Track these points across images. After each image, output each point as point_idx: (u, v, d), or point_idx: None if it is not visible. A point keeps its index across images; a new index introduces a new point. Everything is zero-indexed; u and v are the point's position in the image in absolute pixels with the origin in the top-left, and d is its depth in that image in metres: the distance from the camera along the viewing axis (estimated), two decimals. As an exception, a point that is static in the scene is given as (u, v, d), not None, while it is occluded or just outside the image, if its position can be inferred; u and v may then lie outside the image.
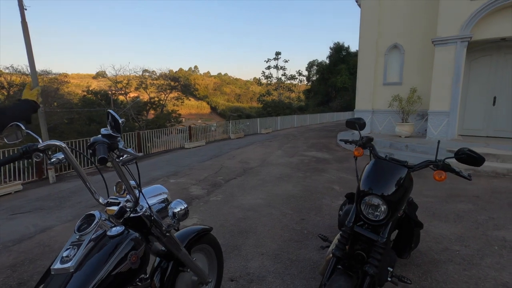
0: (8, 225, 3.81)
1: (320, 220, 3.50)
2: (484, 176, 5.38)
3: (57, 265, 0.99)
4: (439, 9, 7.58)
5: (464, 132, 8.32)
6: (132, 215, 1.27)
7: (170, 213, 1.46)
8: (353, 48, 35.84)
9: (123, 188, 1.31)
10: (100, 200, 1.28)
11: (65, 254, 1.02)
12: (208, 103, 65.03)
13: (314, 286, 2.23)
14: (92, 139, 1.10)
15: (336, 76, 33.58)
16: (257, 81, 42.15)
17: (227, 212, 3.84)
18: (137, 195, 1.29)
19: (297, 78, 38.96)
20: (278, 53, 37.29)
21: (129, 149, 1.19)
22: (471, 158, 1.56)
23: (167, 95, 31.10)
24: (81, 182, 1.21)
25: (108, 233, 1.11)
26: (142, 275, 1.26)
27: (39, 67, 25.18)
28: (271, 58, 37.52)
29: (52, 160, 1.10)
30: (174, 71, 51.17)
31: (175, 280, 1.54)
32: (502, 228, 3.20)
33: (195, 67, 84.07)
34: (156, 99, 28.60)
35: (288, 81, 39.03)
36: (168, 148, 10.89)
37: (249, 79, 79.62)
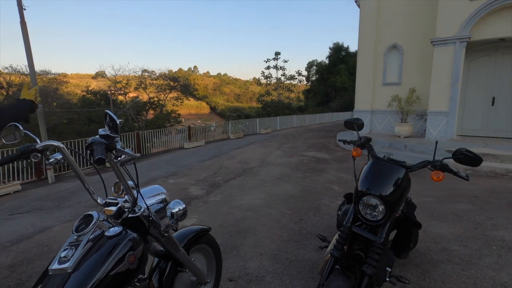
0: (7, 225, 3.80)
1: (319, 220, 3.51)
2: (483, 176, 5.39)
3: (55, 266, 1.00)
4: (438, 9, 7.59)
5: (463, 132, 8.32)
6: (130, 215, 1.27)
7: (168, 214, 1.45)
8: (353, 48, 35.96)
9: (121, 188, 1.31)
10: (99, 201, 1.28)
11: (63, 254, 1.02)
12: (207, 103, 65.11)
13: (312, 286, 2.23)
14: (90, 139, 1.11)
15: (335, 76, 33.59)
16: (257, 81, 42.16)
17: (226, 212, 3.84)
18: (135, 195, 1.29)
19: (296, 78, 39.01)
20: (277, 53, 37.39)
21: (127, 150, 1.19)
22: (469, 158, 1.56)
23: (166, 95, 31.11)
24: (80, 182, 1.22)
25: (106, 233, 1.12)
26: (140, 276, 1.26)
27: (38, 67, 25.17)
28: (271, 58, 37.65)
29: (50, 160, 1.10)
30: (174, 71, 51.21)
31: (174, 280, 1.54)
32: (501, 228, 3.20)
33: (195, 67, 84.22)
34: (156, 99, 28.61)
35: (288, 81, 39.09)
36: (168, 148, 10.90)
37: (248, 79, 79.75)
